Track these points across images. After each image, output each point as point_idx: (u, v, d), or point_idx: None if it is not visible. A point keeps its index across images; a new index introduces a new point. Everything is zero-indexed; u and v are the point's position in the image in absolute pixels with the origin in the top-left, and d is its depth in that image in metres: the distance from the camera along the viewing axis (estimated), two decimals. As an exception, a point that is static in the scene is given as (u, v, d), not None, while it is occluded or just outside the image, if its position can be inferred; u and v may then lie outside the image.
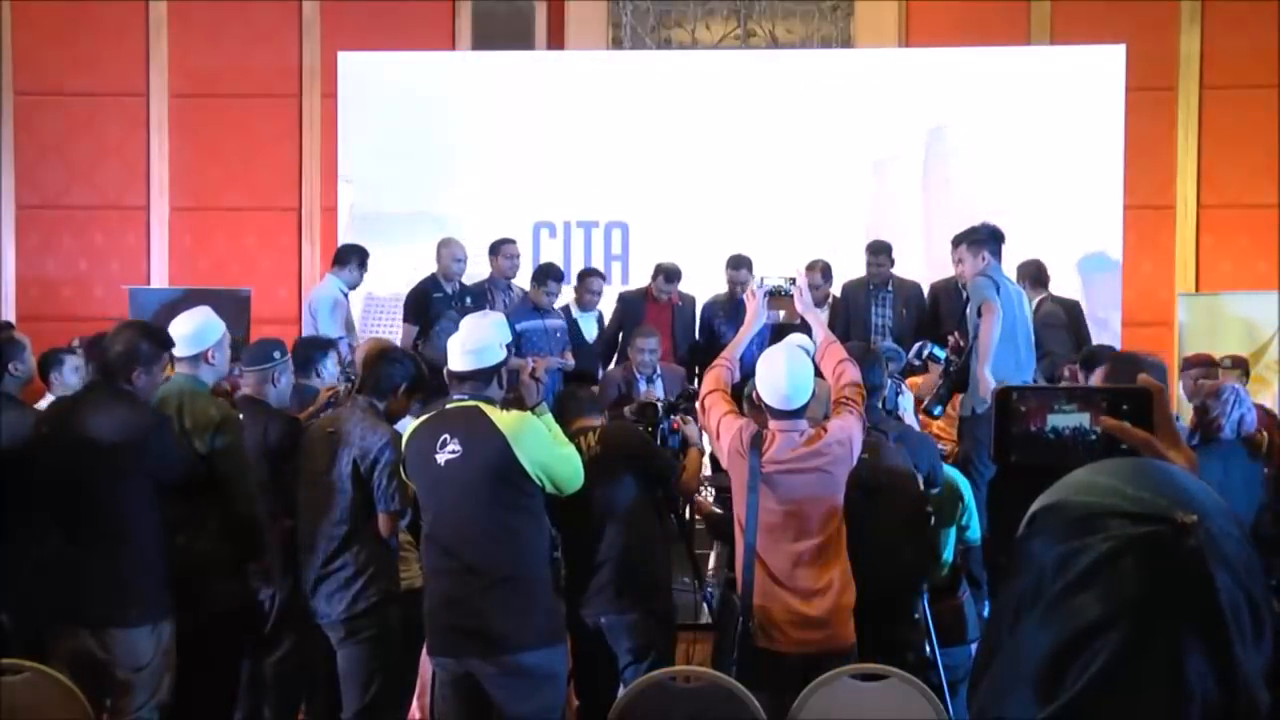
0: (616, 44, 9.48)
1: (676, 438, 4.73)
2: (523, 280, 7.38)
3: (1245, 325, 7.96)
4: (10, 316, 8.69)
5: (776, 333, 5.26)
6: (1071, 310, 7.17)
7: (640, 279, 7.89)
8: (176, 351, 4.15)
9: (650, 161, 8.58)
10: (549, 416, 3.88)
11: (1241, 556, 0.94)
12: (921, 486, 4.20)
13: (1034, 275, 6.98)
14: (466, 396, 3.68)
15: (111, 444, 3.78)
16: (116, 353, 3.87)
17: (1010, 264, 6.10)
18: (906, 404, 5.41)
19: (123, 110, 9.36)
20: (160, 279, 9.31)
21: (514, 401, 3.96)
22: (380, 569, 4.09)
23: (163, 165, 9.37)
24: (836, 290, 7.60)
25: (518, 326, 6.41)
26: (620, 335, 7.32)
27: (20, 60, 9.35)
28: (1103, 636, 0.92)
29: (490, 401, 3.68)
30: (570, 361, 6.90)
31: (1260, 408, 6.41)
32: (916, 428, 5.04)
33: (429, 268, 7.28)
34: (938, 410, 5.61)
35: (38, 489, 3.90)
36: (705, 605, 4.99)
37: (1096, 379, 4.46)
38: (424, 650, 3.94)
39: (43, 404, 5.22)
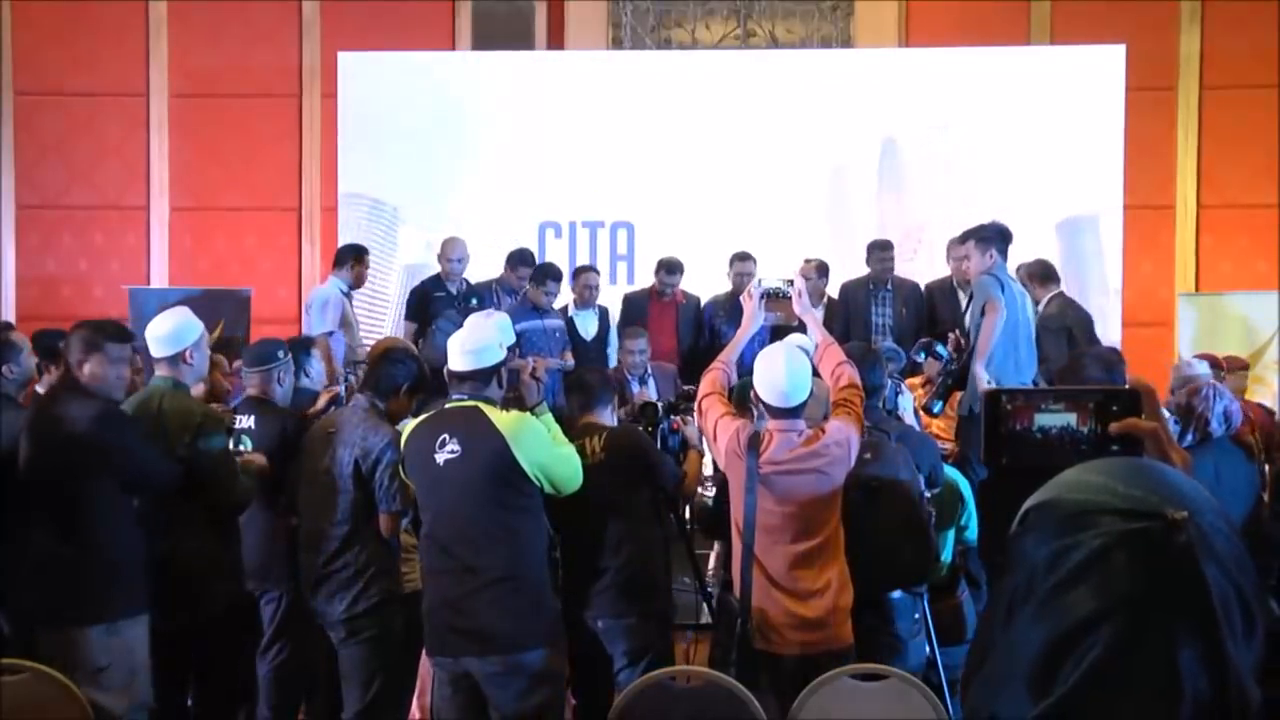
0: (616, 44, 9.48)
1: (676, 438, 4.73)
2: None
3: (1245, 325, 7.96)
4: (10, 316, 8.69)
5: (774, 334, 5.26)
6: (1082, 317, 7.06)
7: (645, 279, 7.90)
8: (154, 352, 4.14)
9: (650, 162, 8.58)
10: (548, 416, 3.89)
11: (1232, 553, 0.95)
12: (922, 486, 4.20)
13: (1043, 273, 6.90)
14: (466, 396, 3.68)
15: (64, 440, 3.77)
16: (63, 347, 3.92)
17: (1011, 264, 6.07)
18: (906, 404, 5.42)
19: (123, 110, 9.37)
20: (160, 279, 9.32)
21: (514, 401, 3.96)
22: (381, 569, 4.09)
23: (163, 165, 9.38)
24: (834, 290, 7.60)
25: (517, 327, 6.42)
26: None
27: (20, 60, 9.35)
28: (1095, 632, 0.93)
29: (490, 401, 3.68)
30: (570, 362, 6.90)
31: (1261, 407, 6.43)
32: (917, 428, 5.05)
33: (427, 267, 7.30)
34: (937, 408, 5.61)
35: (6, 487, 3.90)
36: (705, 605, 4.98)
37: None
38: (424, 650, 3.95)
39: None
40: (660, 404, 4.96)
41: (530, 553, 3.66)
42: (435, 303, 7.08)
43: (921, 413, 5.62)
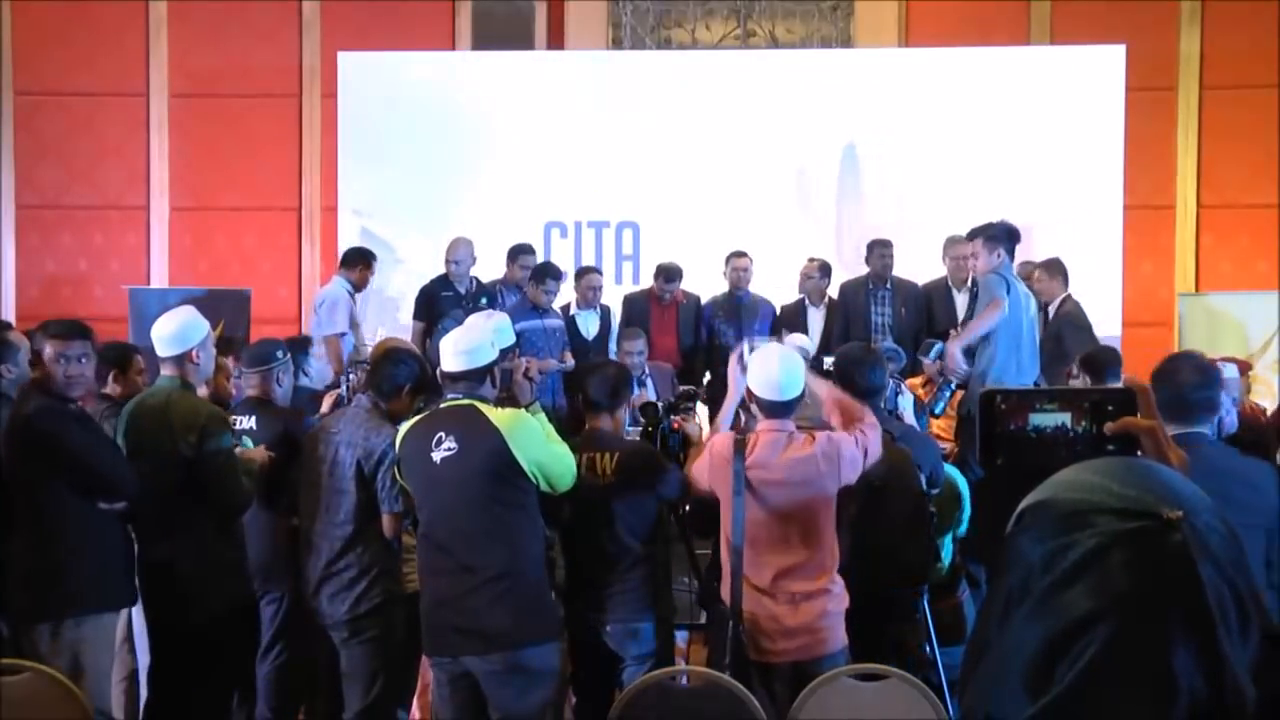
0: (616, 44, 9.48)
1: (676, 438, 4.72)
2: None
3: (1245, 325, 7.96)
4: (10, 317, 8.68)
5: (774, 334, 5.26)
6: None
7: (650, 279, 7.91)
8: (160, 351, 4.13)
9: (650, 162, 8.58)
10: (542, 415, 3.89)
11: (1227, 552, 0.95)
12: (924, 486, 4.19)
13: (1062, 272, 6.86)
14: (460, 395, 3.69)
15: (15, 438, 3.82)
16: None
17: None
18: (906, 404, 5.42)
19: (123, 110, 9.37)
20: (160, 279, 9.32)
21: (506, 401, 3.97)
22: (384, 570, 4.09)
23: (163, 165, 9.38)
24: (834, 291, 7.60)
25: (516, 326, 6.41)
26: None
27: (20, 60, 9.36)
28: (1091, 631, 0.93)
29: (484, 400, 3.70)
30: (570, 363, 6.90)
31: (1257, 406, 6.42)
32: (918, 428, 5.05)
33: (426, 267, 7.33)
34: (939, 407, 5.62)
35: None
36: (703, 610, 4.97)
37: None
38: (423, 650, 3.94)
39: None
40: (660, 404, 4.96)
41: (528, 551, 3.66)
42: (441, 302, 7.12)
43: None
